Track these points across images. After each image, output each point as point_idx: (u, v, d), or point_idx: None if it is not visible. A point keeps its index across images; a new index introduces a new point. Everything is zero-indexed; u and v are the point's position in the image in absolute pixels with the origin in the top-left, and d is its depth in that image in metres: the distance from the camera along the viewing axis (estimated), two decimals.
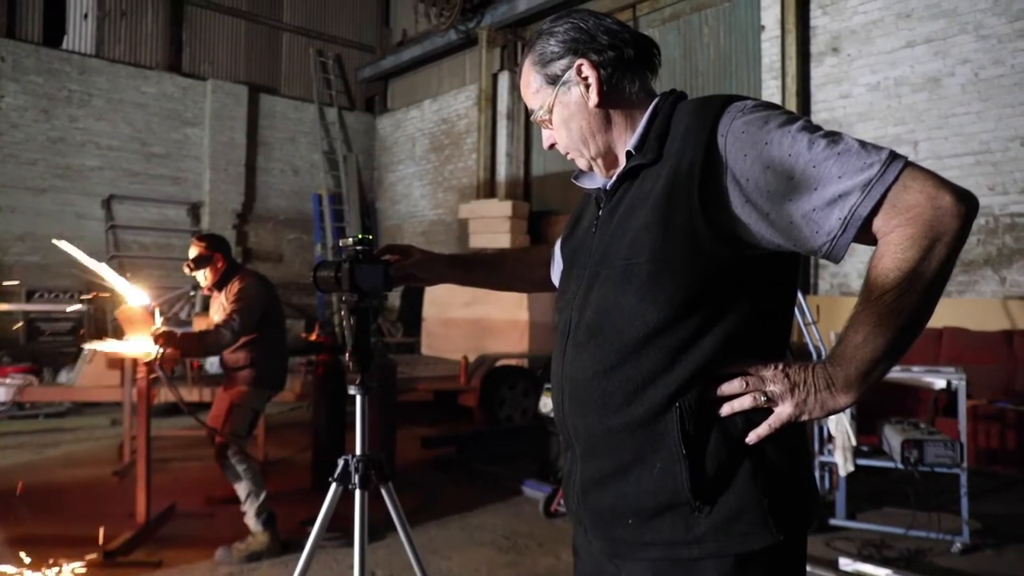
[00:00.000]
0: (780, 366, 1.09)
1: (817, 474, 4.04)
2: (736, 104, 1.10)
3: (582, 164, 1.29)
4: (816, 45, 7.09)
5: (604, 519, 1.17)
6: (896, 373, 4.16)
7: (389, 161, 12.94)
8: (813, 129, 1.04)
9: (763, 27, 7.44)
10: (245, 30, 11.68)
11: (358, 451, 1.65)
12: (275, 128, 11.80)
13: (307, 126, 12.15)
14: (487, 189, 10.41)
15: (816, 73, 7.08)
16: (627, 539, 1.15)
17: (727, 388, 1.09)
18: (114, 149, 10.16)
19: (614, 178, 1.21)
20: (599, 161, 1.25)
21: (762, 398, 1.08)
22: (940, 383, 4.57)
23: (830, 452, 3.93)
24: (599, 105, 1.20)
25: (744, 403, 1.08)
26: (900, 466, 3.62)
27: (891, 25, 6.56)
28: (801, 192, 1.02)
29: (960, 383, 3.90)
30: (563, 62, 1.21)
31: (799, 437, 1.16)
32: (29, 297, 9.04)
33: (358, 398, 1.64)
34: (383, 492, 1.69)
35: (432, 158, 12.04)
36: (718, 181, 1.06)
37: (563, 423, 1.24)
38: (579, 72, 1.19)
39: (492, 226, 9.57)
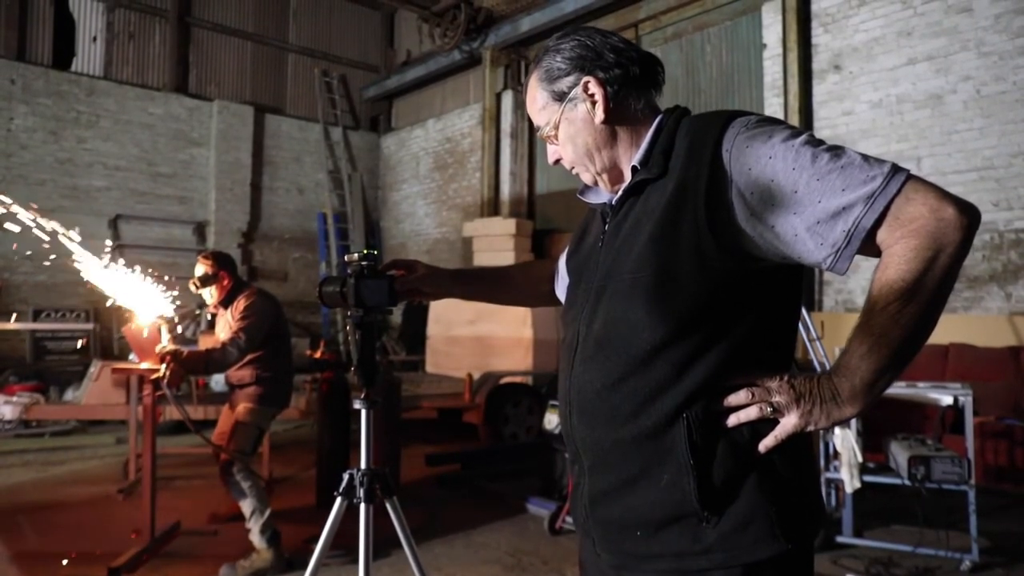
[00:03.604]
0: (786, 377, 1.10)
1: (823, 491, 4.00)
2: (740, 119, 1.12)
3: (587, 179, 1.30)
4: (818, 63, 7.14)
5: (612, 531, 1.18)
6: (902, 389, 4.15)
7: (393, 180, 13.02)
8: (816, 143, 1.06)
9: (765, 45, 7.50)
10: (251, 51, 11.83)
11: (363, 465, 1.65)
12: (280, 148, 11.90)
13: (312, 145, 12.25)
14: (491, 207, 10.46)
15: (818, 90, 7.13)
16: (635, 551, 1.15)
17: (733, 399, 1.10)
18: (121, 169, 10.25)
19: (620, 193, 1.23)
20: (604, 176, 1.26)
21: (768, 409, 1.08)
22: (947, 400, 4.56)
23: (836, 469, 3.90)
24: (605, 122, 1.21)
25: (751, 414, 1.09)
26: (907, 483, 3.59)
27: (892, 43, 6.62)
28: (805, 205, 1.03)
29: (966, 399, 3.88)
30: (570, 79, 1.23)
31: (805, 447, 1.17)
32: (36, 316, 9.08)
33: (363, 412, 1.64)
34: (388, 506, 1.69)
35: (436, 177, 12.11)
36: (723, 195, 1.08)
37: (570, 436, 1.24)
38: (585, 89, 1.21)
39: (496, 244, 9.60)
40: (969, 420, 3.87)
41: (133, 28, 10.63)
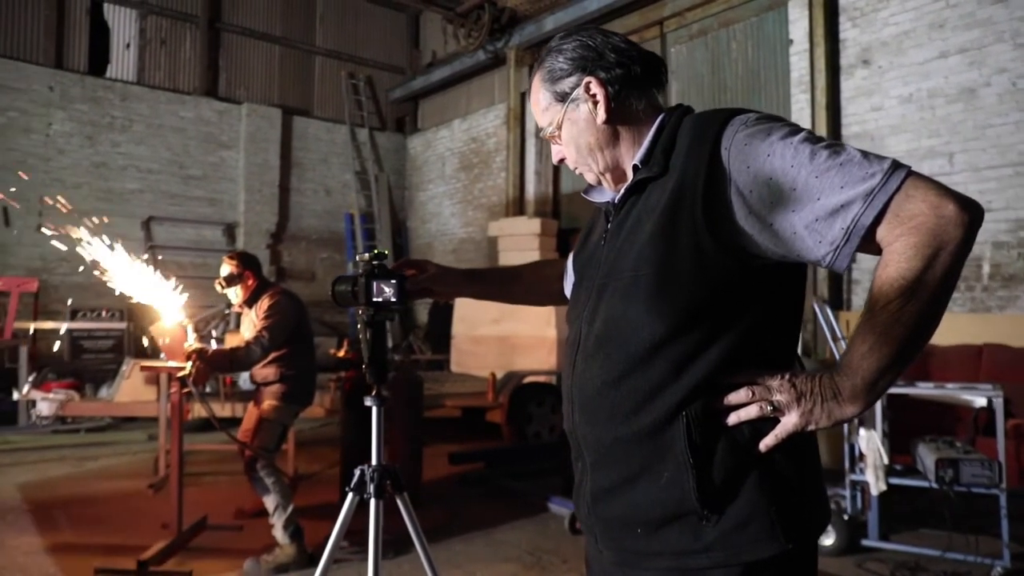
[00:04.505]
0: (787, 376, 1.09)
1: (848, 493, 3.94)
2: (739, 117, 1.12)
3: (591, 179, 1.31)
4: (846, 58, 7.02)
5: (614, 529, 1.18)
6: (930, 390, 4.07)
7: (420, 180, 13.11)
8: (815, 140, 1.06)
9: (791, 41, 7.39)
10: (279, 55, 12.00)
11: (373, 461, 1.68)
12: (308, 149, 12.05)
13: (339, 147, 12.39)
14: (516, 207, 10.48)
15: (846, 86, 7.01)
16: (636, 549, 1.15)
17: (734, 398, 1.09)
18: (153, 172, 10.49)
19: (622, 192, 1.23)
20: (607, 176, 1.27)
21: (768, 408, 1.08)
22: (980, 401, 4.45)
23: (861, 471, 3.84)
24: (607, 121, 1.22)
25: (751, 412, 1.08)
26: (934, 485, 3.52)
27: (923, 36, 6.48)
28: (804, 203, 1.02)
29: (998, 400, 3.79)
30: (572, 79, 1.24)
31: (808, 445, 1.16)
32: (73, 316, 9.33)
33: (374, 409, 1.67)
34: (398, 502, 1.72)
35: (462, 177, 12.17)
36: (722, 193, 1.08)
37: (573, 433, 1.25)
38: (587, 89, 1.22)
39: (521, 243, 9.61)
40: (1000, 421, 3.77)
41: (165, 34, 10.86)
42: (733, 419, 1.09)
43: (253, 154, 11.26)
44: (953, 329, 5.79)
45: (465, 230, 12.00)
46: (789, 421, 1.07)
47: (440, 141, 12.69)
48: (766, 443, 1.08)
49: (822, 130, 6.89)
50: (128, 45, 10.58)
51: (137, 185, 10.35)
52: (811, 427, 1.07)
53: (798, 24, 7.31)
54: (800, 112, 7.14)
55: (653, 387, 1.10)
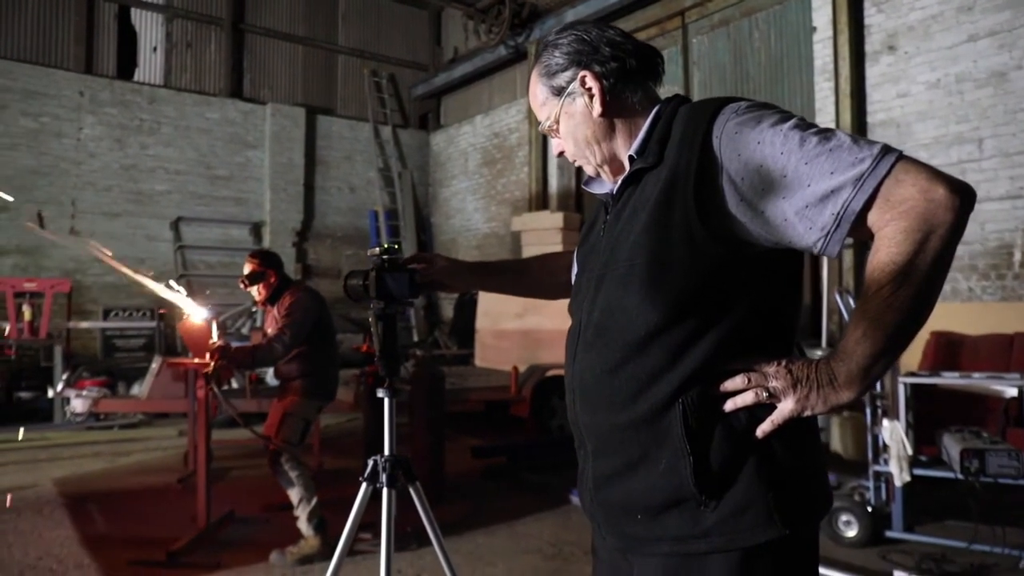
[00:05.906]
0: (783, 362, 1.09)
1: (872, 484, 3.90)
2: (731, 105, 1.13)
3: (589, 171, 1.33)
4: (871, 44, 6.90)
5: (615, 515, 1.20)
6: (956, 380, 4.01)
7: (443, 176, 13.17)
8: (806, 127, 1.06)
9: (814, 28, 7.28)
10: (302, 54, 12.14)
11: (386, 451, 1.72)
12: (332, 148, 12.18)
13: (363, 144, 12.50)
14: (539, 201, 10.48)
15: (871, 73, 6.89)
16: (637, 534, 1.17)
17: (730, 384, 1.10)
18: (181, 173, 10.69)
19: (619, 183, 1.25)
20: (605, 168, 1.28)
21: (764, 394, 1.08)
22: (1011, 391, 4.37)
23: (885, 462, 3.79)
24: (603, 114, 1.23)
25: (747, 399, 1.09)
26: (960, 476, 3.47)
27: (951, 19, 6.34)
28: (794, 189, 1.03)
29: None
30: (567, 74, 1.25)
31: (808, 431, 1.16)
32: (106, 315, 9.57)
33: (386, 401, 1.70)
34: (411, 491, 1.75)
35: (485, 172, 12.20)
36: (714, 181, 1.09)
37: (575, 421, 1.27)
38: (583, 83, 1.23)
39: (544, 238, 9.61)
40: None
41: (190, 37, 11.05)
42: (729, 406, 1.10)
43: (278, 153, 11.41)
44: (983, 318, 5.68)
45: (489, 225, 12.04)
46: (785, 407, 1.08)
47: (463, 137, 12.73)
48: (763, 429, 1.09)
49: (847, 118, 6.79)
50: (155, 49, 10.79)
51: (165, 186, 10.56)
52: (807, 413, 1.07)
53: (821, 11, 7.20)
54: (824, 100, 7.03)
55: (649, 375, 1.12)
